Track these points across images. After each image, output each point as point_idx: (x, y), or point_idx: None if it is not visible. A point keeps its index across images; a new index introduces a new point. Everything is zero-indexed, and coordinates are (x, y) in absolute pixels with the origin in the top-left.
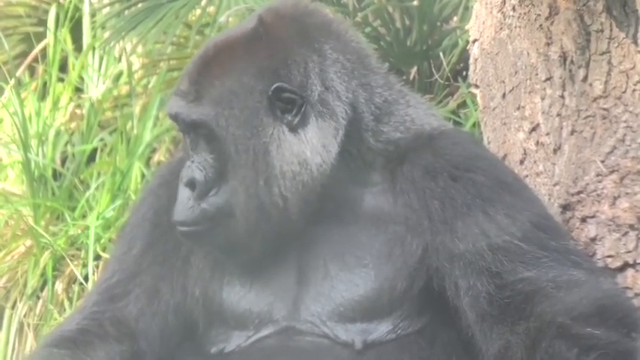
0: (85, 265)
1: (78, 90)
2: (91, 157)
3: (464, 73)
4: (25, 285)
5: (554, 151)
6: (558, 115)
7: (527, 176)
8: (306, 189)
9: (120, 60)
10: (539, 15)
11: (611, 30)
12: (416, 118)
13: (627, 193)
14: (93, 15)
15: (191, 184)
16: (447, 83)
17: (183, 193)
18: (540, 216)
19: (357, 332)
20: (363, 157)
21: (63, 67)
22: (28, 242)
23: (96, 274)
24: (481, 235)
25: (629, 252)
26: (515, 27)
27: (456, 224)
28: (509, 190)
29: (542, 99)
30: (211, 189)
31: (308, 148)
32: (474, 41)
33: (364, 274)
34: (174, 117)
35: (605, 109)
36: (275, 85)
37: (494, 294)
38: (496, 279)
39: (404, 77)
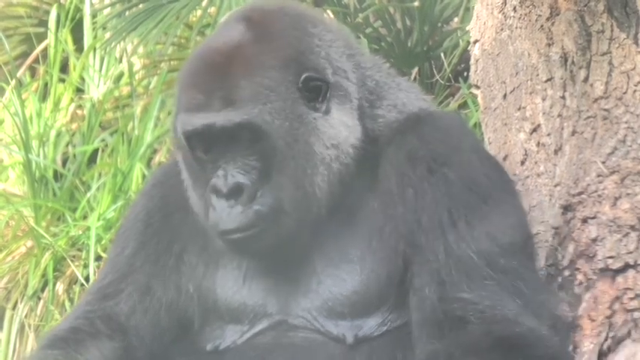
0: (86, 266)
1: (79, 91)
2: (92, 158)
3: (465, 73)
4: (25, 286)
5: (555, 151)
6: (559, 115)
7: (528, 177)
8: (336, 177)
9: (121, 61)
10: (540, 16)
11: (612, 31)
12: (407, 102)
13: (628, 194)
14: (94, 16)
15: (236, 191)
16: (447, 84)
17: (223, 203)
18: (499, 227)
19: (347, 327)
20: (362, 144)
21: (64, 68)
22: (29, 243)
23: (96, 274)
24: (441, 236)
25: (629, 253)
26: (516, 28)
27: (422, 217)
28: (477, 194)
29: (543, 100)
30: (257, 190)
31: (341, 130)
32: (475, 42)
33: (350, 268)
34: (204, 130)
35: (606, 110)
36: (304, 75)
37: (437, 304)
38: (441, 288)
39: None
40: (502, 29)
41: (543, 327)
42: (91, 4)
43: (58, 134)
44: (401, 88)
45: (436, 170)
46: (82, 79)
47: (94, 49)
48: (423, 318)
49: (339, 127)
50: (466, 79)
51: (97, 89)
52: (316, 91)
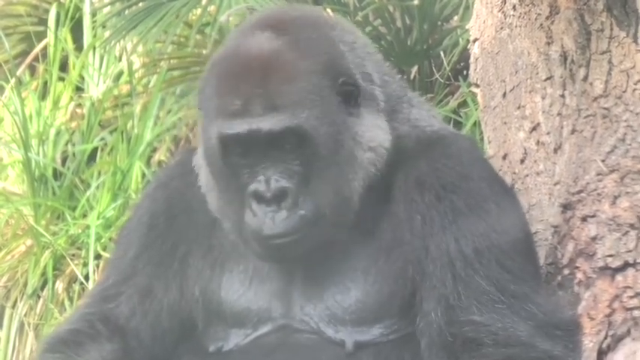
0: (85, 265)
1: (78, 89)
2: (92, 157)
3: (464, 72)
4: (25, 284)
5: (555, 150)
6: (559, 114)
7: (527, 175)
8: (368, 181)
9: (120, 59)
10: (539, 14)
11: (611, 29)
12: (419, 118)
13: (627, 193)
14: (93, 14)
15: (281, 196)
16: (447, 82)
17: (266, 208)
18: (509, 254)
19: (348, 334)
20: None
21: (63, 67)
22: (29, 242)
23: (96, 273)
24: (448, 263)
25: (629, 251)
26: (516, 26)
27: (430, 244)
28: (486, 221)
29: (543, 98)
30: (300, 195)
31: (376, 133)
32: (475, 40)
33: (355, 277)
34: (249, 135)
35: (605, 109)
36: (341, 80)
37: (444, 328)
38: (450, 312)
39: (405, 76)
40: (502, 28)
41: (557, 348)
42: (91, 3)
43: (58, 133)
44: (413, 104)
45: (444, 198)
46: (82, 77)
47: (94, 48)
48: (431, 342)
49: (374, 130)
50: (466, 77)
51: (96, 88)
52: (350, 95)
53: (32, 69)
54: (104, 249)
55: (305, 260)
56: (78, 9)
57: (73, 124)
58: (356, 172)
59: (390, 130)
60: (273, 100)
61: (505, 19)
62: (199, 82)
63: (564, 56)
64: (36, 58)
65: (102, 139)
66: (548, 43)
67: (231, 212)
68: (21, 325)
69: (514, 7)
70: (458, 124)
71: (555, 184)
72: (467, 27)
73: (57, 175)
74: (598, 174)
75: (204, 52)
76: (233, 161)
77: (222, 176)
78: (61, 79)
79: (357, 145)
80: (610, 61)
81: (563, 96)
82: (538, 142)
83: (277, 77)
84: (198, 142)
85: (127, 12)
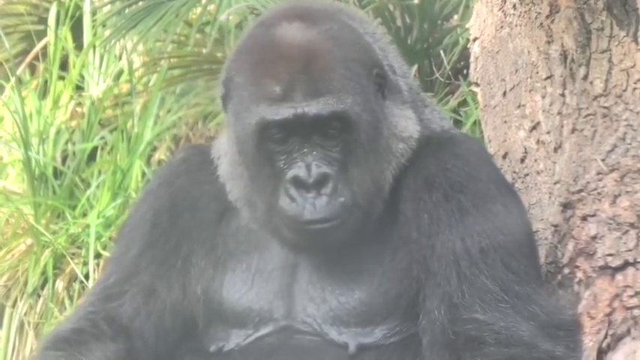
0: (85, 264)
1: (78, 88)
2: (92, 156)
3: (464, 71)
4: (25, 283)
5: (555, 149)
6: (559, 113)
7: (527, 174)
8: (397, 171)
9: (120, 58)
10: (539, 13)
11: (611, 28)
12: (432, 119)
13: (628, 192)
14: (93, 13)
15: (322, 181)
16: (447, 81)
17: (306, 194)
18: (514, 255)
19: (351, 336)
20: None
21: (64, 66)
22: (29, 241)
23: (96, 272)
24: (454, 262)
25: (629, 250)
26: (516, 25)
27: (436, 243)
28: (493, 222)
29: (543, 97)
30: (339, 182)
31: (408, 124)
32: (475, 39)
33: (360, 279)
34: (295, 119)
35: (605, 108)
36: (375, 70)
37: (447, 326)
38: (453, 310)
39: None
40: (502, 27)
41: (559, 348)
42: (91, 2)
43: (58, 132)
44: (426, 104)
45: (452, 197)
46: (82, 76)
47: (94, 47)
48: (433, 340)
49: (405, 120)
50: (466, 76)
51: (96, 87)
52: (380, 86)
53: (32, 68)
54: (104, 248)
55: (335, 250)
56: (78, 8)
57: (73, 123)
58: (390, 161)
59: (419, 122)
60: (317, 86)
61: (505, 18)
62: (223, 73)
63: (564, 55)
64: (36, 57)
65: (102, 138)
66: (549, 42)
67: (261, 200)
68: (21, 324)
69: (514, 6)
70: (458, 123)
71: (555, 183)
72: (467, 26)
73: (57, 174)
74: (598, 173)
75: (204, 51)
76: (269, 147)
77: (255, 163)
78: (61, 78)
79: (391, 135)
80: (610, 60)
81: (563, 95)
82: (538, 141)
83: (319, 64)
84: (220, 132)
85: (127, 11)
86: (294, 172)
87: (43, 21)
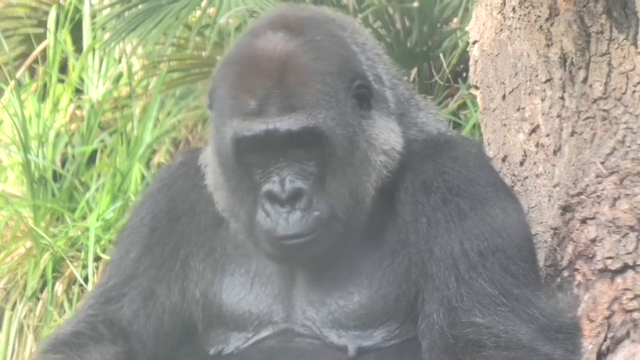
0: (84, 267)
1: (78, 91)
2: (91, 159)
3: (464, 74)
4: (25, 286)
5: (554, 152)
6: (558, 116)
7: (527, 177)
8: (380, 183)
9: (120, 61)
10: (539, 16)
11: (611, 31)
12: (427, 122)
13: (627, 195)
14: (93, 16)
15: (296, 196)
16: (447, 84)
17: (280, 209)
18: (513, 259)
19: (350, 339)
20: None
21: (63, 69)
22: (28, 244)
23: (96, 275)
24: (452, 265)
25: (628, 253)
26: (516, 28)
27: (434, 246)
28: (491, 225)
29: (542, 100)
30: (314, 196)
31: (390, 136)
32: (474, 43)
33: (359, 282)
34: (267, 135)
35: (605, 111)
36: (357, 82)
37: (446, 329)
38: (452, 314)
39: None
40: (501, 30)
41: (558, 351)
42: (91, 5)
43: (57, 135)
44: (420, 107)
45: (450, 201)
46: (81, 79)
47: (93, 50)
48: (432, 343)
49: (387, 133)
50: (465, 79)
51: (96, 90)
52: (363, 97)
53: (32, 71)
54: (104, 251)
55: (316, 262)
56: (77, 11)
57: (73, 126)
58: (369, 174)
59: (402, 133)
60: (290, 101)
61: (505, 21)
62: (210, 82)
63: (564, 58)
64: (35, 60)
65: (101, 141)
66: (548, 45)
67: (242, 212)
68: (20, 327)
69: (514, 10)
70: (457, 126)
71: (555, 186)
72: (466, 29)
73: (56, 177)
74: (597, 176)
75: (203, 54)
76: (246, 160)
77: (234, 175)
78: (61, 81)
79: (371, 148)
80: (609, 63)
81: (562, 98)
82: (537, 144)
83: (293, 78)
84: (205, 141)
85: (126, 14)
86: (269, 186)
87: (43, 24)
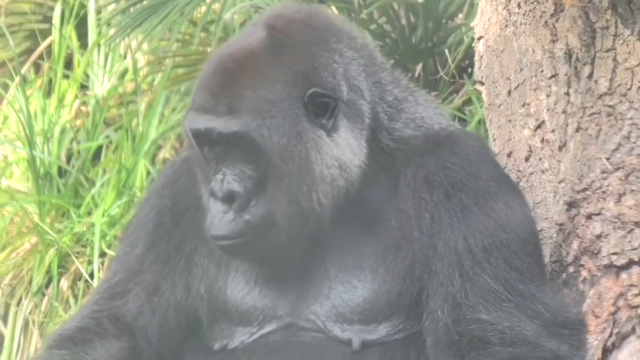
0: (90, 262)
1: (83, 87)
2: (97, 155)
3: (469, 70)
4: (30, 282)
5: (560, 148)
6: (564, 112)
7: (532, 173)
8: (340, 192)
9: (125, 57)
10: (544, 12)
11: (616, 27)
12: (426, 116)
13: (632, 191)
14: (98, 12)
15: (230, 198)
16: (452, 80)
17: (218, 207)
18: (517, 254)
19: (354, 333)
20: (376, 157)
21: (68, 64)
22: (34, 239)
23: (101, 271)
24: (456, 261)
25: (634, 249)
26: (521, 24)
27: (438, 242)
28: (495, 220)
29: (548, 96)
30: (251, 199)
31: (345, 150)
32: (480, 38)
33: (362, 276)
34: (205, 132)
35: (610, 106)
36: (310, 91)
37: (451, 326)
38: (457, 310)
39: (409, 74)
40: (506, 25)
41: (563, 347)
42: (96, 1)
43: (63, 131)
44: (419, 103)
45: (453, 196)
46: (87, 75)
47: (99, 46)
48: (437, 340)
49: (344, 147)
50: (470, 75)
51: (101, 86)
52: (324, 107)
53: (37, 67)
54: (109, 247)
55: (302, 259)
56: (83, 6)
57: (78, 122)
58: (317, 185)
59: (367, 147)
60: (234, 103)
61: (510, 16)
62: None
63: (569, 54)
64: (41, 56)
65: (107, 136)
66: (553, 41)
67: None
68: (26, 323)
69: (519, 5)
70: (463, 122)
71: (560, 182)
72: (472, 25)
73: (62, 172)
74: (603, 172)
75: (208, 49)
76: (206, 155)
77: (201, 166)
78: (66, 76)
79: (318, 159)
80: (615, 59)
81: (567, 94)
82: (543, 140)
83: (244, 81)
84: None
85: (131, 10)
86: (212, 184)
87: (48, 20)
